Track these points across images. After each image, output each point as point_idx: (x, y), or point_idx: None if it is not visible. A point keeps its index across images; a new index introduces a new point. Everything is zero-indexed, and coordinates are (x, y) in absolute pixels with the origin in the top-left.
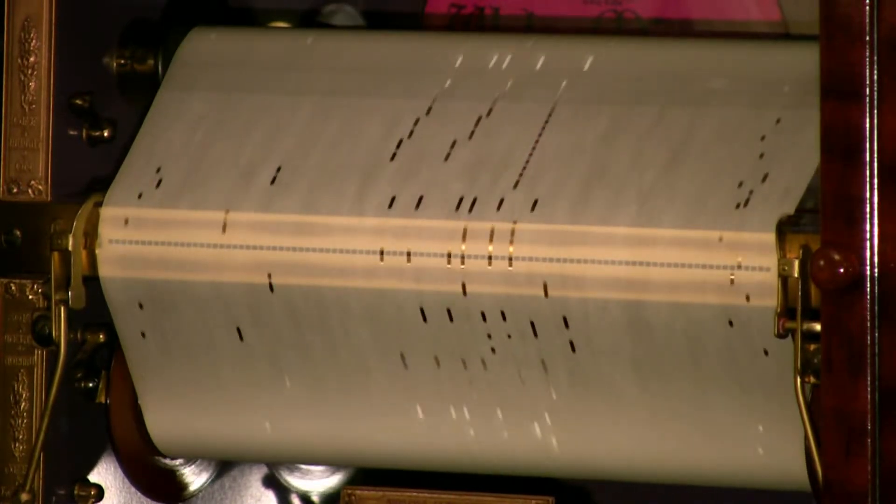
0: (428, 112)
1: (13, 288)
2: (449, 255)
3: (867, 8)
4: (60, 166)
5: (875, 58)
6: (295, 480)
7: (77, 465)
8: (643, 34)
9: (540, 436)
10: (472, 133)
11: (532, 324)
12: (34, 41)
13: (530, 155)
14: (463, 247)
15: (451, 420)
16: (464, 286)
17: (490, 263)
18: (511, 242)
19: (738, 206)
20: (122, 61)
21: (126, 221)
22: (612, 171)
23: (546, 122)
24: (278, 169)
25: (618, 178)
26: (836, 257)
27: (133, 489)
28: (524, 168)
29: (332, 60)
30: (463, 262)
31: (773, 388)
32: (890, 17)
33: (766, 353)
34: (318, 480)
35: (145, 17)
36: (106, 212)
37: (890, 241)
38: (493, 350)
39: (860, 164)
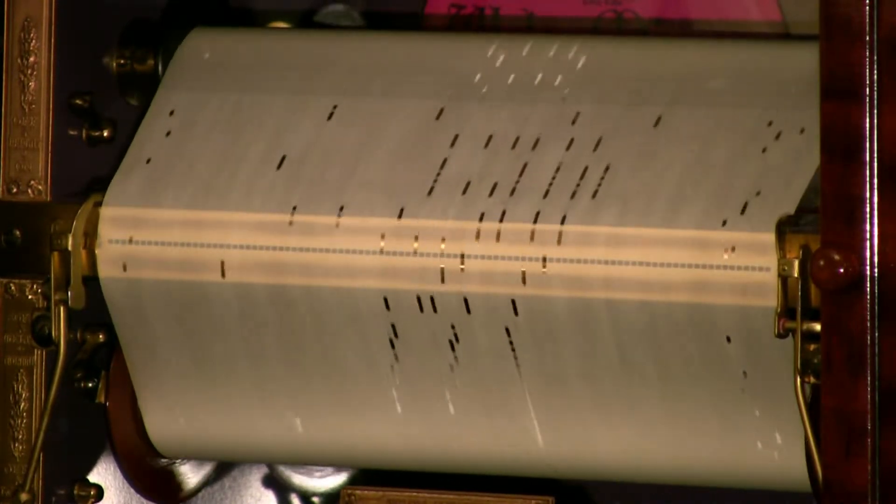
0: (430, 112)
1: (13, 288)
2: (462, 256)
3: (867, 8)
4: (60, 166)
5: (875, 58)
6: (295, 480)
7: (77, 465)
8: (643, 34)
9: (542, 436)
10: (471, 135)
11: (538, 325)
12: (34, 41)
13: (529, 158)
14: (472, 248)
15: (456, 421)
16: (472, 288)
17: (498, 264)
18: (520, 243)
19: (737, 205)
20: (122, 61)
21: (126, 221)
22: (613, 171)
23: (546, 122)
24: (278, 169)
25: (618, 179)
26: (836, 257)
27: (132, 489)
28: (524, 170)
29: (332, 60)
30: (471, 264)
31: (772, 388)
32: (890, 17)
33: (765, 353)
34: (318, 480)
35: (145, 17)
36: (106, 212)
37: (890, 241)
38: (512, 352)
39: (860, 164)
